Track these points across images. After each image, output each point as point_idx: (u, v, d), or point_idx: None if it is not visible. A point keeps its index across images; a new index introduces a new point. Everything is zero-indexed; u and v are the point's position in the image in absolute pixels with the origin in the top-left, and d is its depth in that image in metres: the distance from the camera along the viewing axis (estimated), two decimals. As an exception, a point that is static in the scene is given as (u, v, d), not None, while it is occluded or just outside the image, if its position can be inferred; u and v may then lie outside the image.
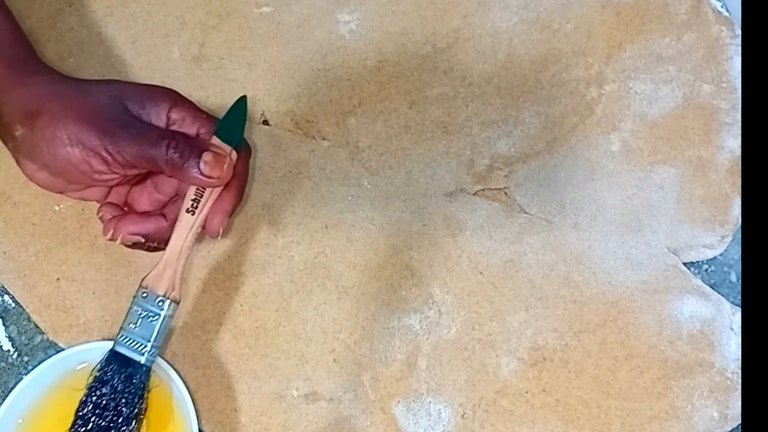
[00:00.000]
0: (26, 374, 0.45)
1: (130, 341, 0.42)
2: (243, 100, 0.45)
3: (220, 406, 0.47)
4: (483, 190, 0.53)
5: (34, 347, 0.49)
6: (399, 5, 0.56)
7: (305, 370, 0.48)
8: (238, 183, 0.43)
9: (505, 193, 0.53)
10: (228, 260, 0.50)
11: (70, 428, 0.41)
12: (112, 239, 0.43)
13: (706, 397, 0.48)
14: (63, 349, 0.47)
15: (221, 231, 0.43)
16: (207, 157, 0.40)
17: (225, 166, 0.41)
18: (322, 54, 0.55)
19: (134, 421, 0.41)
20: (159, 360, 0.45)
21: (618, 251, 0.51)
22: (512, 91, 0.55)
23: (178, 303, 0.43)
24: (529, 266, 0.51)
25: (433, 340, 0.49)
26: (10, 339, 0.49)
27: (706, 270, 0.53)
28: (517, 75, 0.55)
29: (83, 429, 0.41)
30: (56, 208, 0.51)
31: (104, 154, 0.39)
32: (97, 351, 0.45)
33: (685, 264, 0.52)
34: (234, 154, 0.42)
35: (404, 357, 0.48)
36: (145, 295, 0.42)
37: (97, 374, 0.41)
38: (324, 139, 0.53)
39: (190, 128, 0.42)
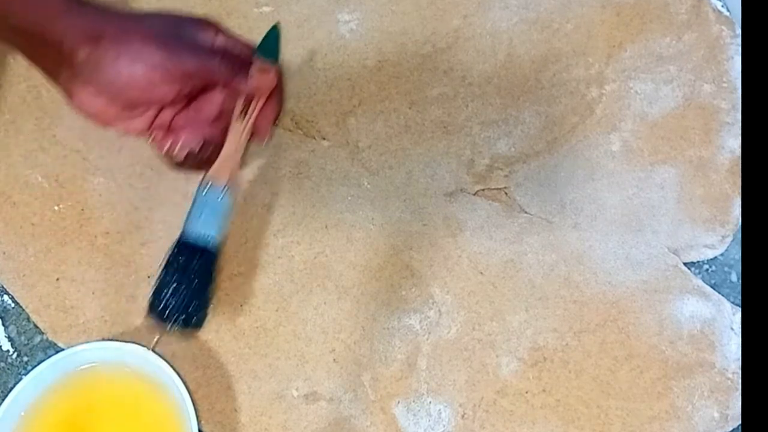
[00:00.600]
0: (26, 374, 0.45)
1: (196, 230, 0.45)
2: (276, 25, 0.49)
3: (220, 406, 0.47)
4: (483, 190, 0.53)
5: (34, 347, 0.49)
6: (399, 5, 0.56)
7: (305, 370, 0.48)
8: (278, 94, 0.48)
9: (505, 193, 0.53)
10: (228, 260, 0.50)
11: (148, 308, 0.44)
12: (171, 148, 0.46)
13: (706, 398, 0.48)
14: (63, 349, 0.47)
15: (268, 135, 0.49)
16: (254, 68, 0.45)
17: (269, 75, 0.46)
18: (322, 54, 0.55)
19: (206, 303, 0.45)
20: (159, 360, 0.45)
21: (618, 251, 0.51)
22: (512, 91, 0.55)
23: (237, 189, 0.47)
24: (529, 266, 0.51)
25: (433, 340, 0.49)
26: (10, 339, 0.49)
27: (707, 270, 0.53)
28: (517, 75, 0.55)
29: (157, 311, 0.44)
30: (56, 208, 0.51)
31: (167, 66, 0.42)
32: (97, 351, 0.45)
33: (685, 264, 0.52)
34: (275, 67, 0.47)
35: (404, 357, 0.48)
36: (207, 186, 0.46)
37: (170, 260, 0.45)
38: (324, 139, 0.53)
39: (233, 50, 0.46)
